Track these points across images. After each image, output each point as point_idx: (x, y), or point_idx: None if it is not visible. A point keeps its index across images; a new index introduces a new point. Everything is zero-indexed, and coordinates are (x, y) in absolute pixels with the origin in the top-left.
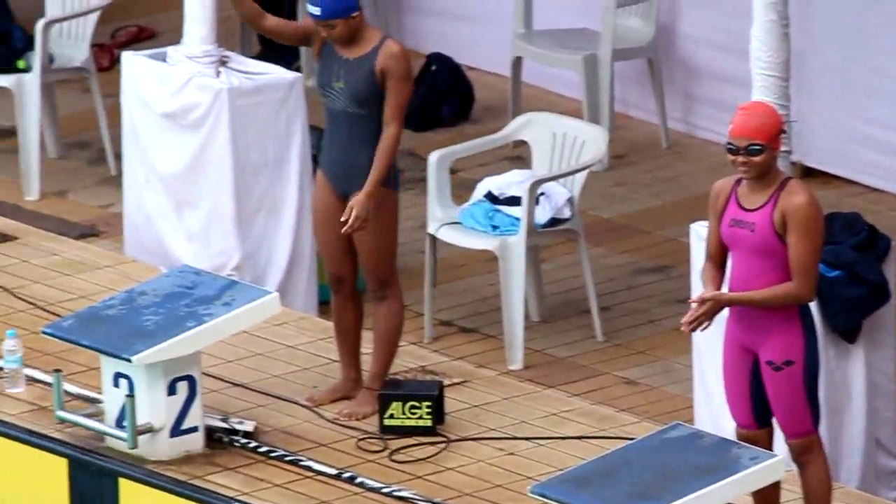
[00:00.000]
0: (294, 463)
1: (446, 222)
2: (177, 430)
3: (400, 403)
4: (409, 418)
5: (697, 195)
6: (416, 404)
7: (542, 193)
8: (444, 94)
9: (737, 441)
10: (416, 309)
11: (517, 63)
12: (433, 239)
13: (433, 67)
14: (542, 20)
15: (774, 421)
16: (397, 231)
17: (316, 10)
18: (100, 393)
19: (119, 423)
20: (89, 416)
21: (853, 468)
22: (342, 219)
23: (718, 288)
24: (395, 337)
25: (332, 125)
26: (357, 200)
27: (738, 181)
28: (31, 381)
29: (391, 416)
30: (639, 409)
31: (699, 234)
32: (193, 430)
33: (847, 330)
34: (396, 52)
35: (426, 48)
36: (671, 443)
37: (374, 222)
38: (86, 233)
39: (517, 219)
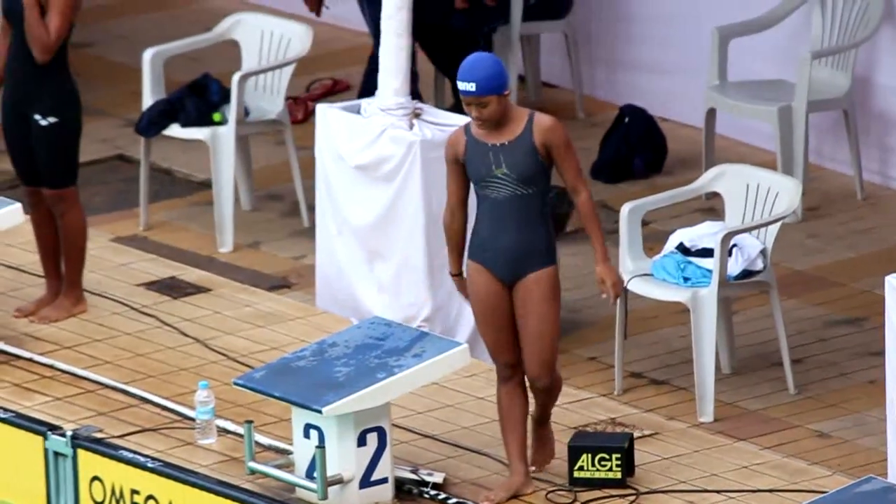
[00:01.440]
0: None
1: (638, 274)
2: (366, 482)
3: (589, 455)
4: (598, 470)
5: (892, 247)
6: (606, 456)
7: (734, 245)
8: (636, 146)
9: None
10: (607, 360)
11: (711, 114)
12: (625, 290)
13: (626, 119)
14: (737, 71)
15: None
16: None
17: (470, 87)
18: (290, 444)
19: (309, 475)
20: (280, 467)
21: None
22: (603, 295)
23: None
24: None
25: (497, 213)
26: (604, 270)
27: None
28: (223, 432)
29: (581, 468)
30: (831, 463)
31: (894, 286)
32: (383, 481)
33: None
34: (551, 124)
35: (619, 100)
36: (864, 496)
37: (539, 304)
38: (278, 284)
39: (709, 271)
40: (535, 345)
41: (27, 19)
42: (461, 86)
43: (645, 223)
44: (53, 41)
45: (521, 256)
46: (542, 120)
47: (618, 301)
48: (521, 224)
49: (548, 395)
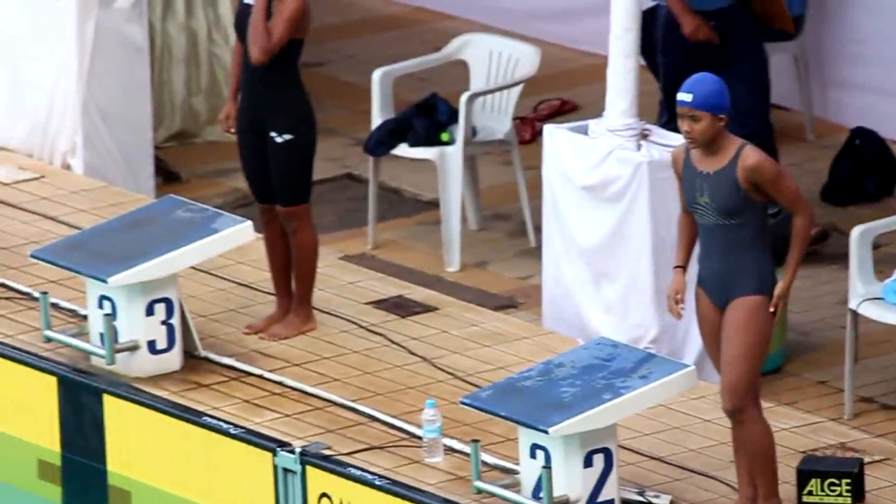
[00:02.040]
0: None
1: (868, 298)
2: (593, 503)
3: (818, 480)
4: (827, 495)
5: None
6: (836, 481)
7: None
8: (867, 168)
9: None
10: (836, 385)
11: None
12: (854, 314)
13: (857, 142)
14: None
15: None
16: (767, 347)
17: (687, 97)
18: (517, 464)
19: (536, 495)
20: (506, 486)
21: None
22: (770, 310)
23: None
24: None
25: (706, 238)
26: (781, 286)
27: None
28: (450, 450)
29: (809, 493)
30: None
31: None
32: (609, 503)
33: None
34: (754, 164)
35: (850, 122)
36: None
37: (735, 330)
38: (505, 304)
39: None
40: (725, 369)
41: (252, 18)
42: (679, 96)
43: (876, 246)
44: (273, 44)
45: (727, 282)
46: (748, 158)
47: (848, 324)
48: (726, 252)
49: (744, 432)
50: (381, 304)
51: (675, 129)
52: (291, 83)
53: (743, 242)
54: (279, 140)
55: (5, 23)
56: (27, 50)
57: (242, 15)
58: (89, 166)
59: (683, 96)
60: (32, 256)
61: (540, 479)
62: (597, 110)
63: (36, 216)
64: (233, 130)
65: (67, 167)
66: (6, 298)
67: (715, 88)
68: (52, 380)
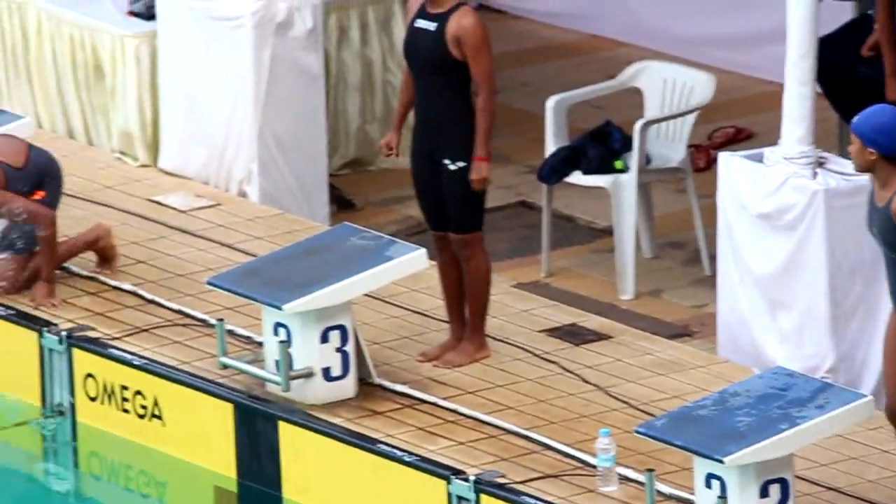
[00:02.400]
0: None
1: None
2: None
3: None
4: None
5: None
6: None
7: None
8: None
9: None
10: None
11: None
12: None
13: None
14: None
15: None
16: None
17: (855, 118)
18: (692, 493)
19: None
20: None
21: None
22: None
23: None
24: None
25: (887, 266)
26: None
27: None
28: (624, 479)
29: None
30: None
31: None
32: None
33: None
34: None
35: None
36: None
37: None
38: (679, 333)
39: None
40: None
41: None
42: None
43: None
44: (492, 79)
45: None
46: None
47: None
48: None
49: None
50: (554, 331)
51: None
52: (464, 111)
53: None
54: (452, 167)
55: (183, 52)
56: (204, 78)
57: (411, 39)
58: (265, 194)
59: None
60: (209, 284)
61: None
62: (772, 138)
63: (212, 243)
64: (393, 156)
65: (243, 195)
66: (183, 325)
67: (881, 122)
68: (229, 406)
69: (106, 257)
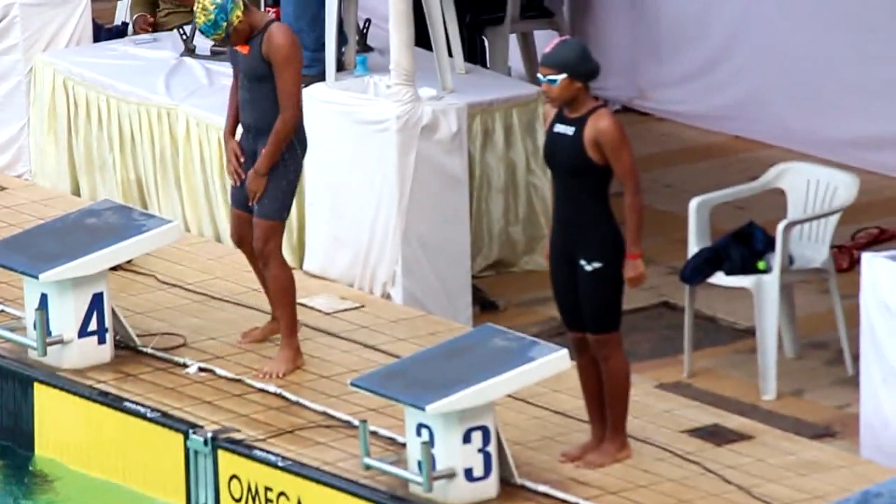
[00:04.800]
0: None
1: None
2: None
3: None
4: None
5: None
6: None
7: None
8: None
9: None
10: None
11: None
12: None
13: None
14: None
15: None
16: None
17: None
18: None
19: None
20: None
21: None
22: None
23: None
24: None
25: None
26: None
27: None
28: None
29: None
30: None
31: None
32: None
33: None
34: None
35: None
36: None
37: None
38: (821, 433)
39: None
40: None
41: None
42: None
43: None
44: (636, 176)
45: None
46: None
47: None
48: None
49: None
50: (696, 432)
51: None
52: (602, 211)
53: None
54: (588, 268)
55: (329, 155)
56: (349, 180)
57: (550, 144)
58: (408, 295)
59: None
60: (353, 385)
61: None
62: None
63: (356, 345)
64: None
65: (387, 296)
66: (326, 426)
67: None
68: None
69: None
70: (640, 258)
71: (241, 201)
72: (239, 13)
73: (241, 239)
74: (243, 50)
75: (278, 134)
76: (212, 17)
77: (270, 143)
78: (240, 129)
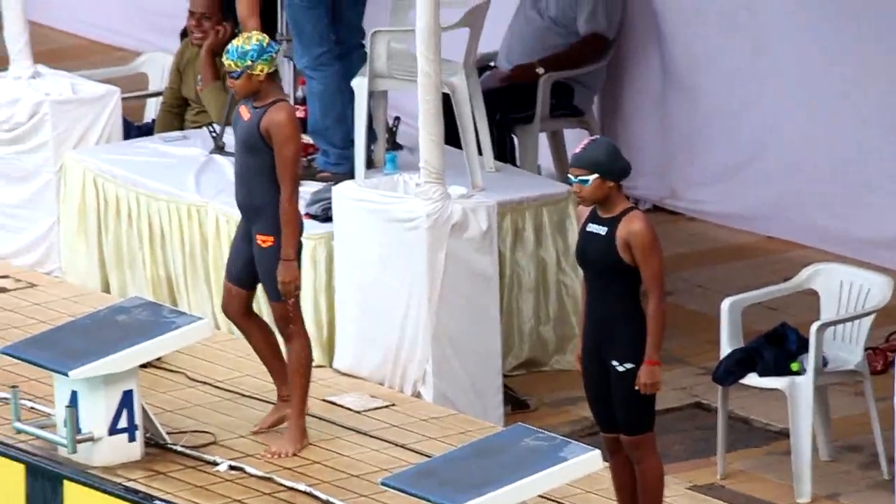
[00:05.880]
0: None
1: None
2: None
3: None
4: None
5: None
6: None
7: None
8: None
9: None
10: None
11: None
12: None
13: None
14: None
15: None
16: None
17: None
18: None
19: None
20: None
21: None
22: None
23: None
24: None
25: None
26: None
27: None
28: None
29: None
30: None
31: None
32: None
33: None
34: None
35: None
36: None
37: None
38: None
39: None
40: None
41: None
42: None
43: None
44: (662, 283)
45: None
46: None
47: None
48: None
49: None
50: None
51: None
52: (633, 311)
53: None
54: (620, 369)
55: (359, 253)
56: (379, 279)
57: (583, 243)
58: (439, 394)
59: None
60: (383, 484)
61: None
62: None
63: (386, 444)
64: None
65: (418, 395)
66: None
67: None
68: None
69: None
70: (658, 366)
71: (231, 273)
72: (265, 68)
73: (227, 310)
74: (245, 115)
75: (286, 214)
76: (247, 47)
77: (284, 227)
78: None
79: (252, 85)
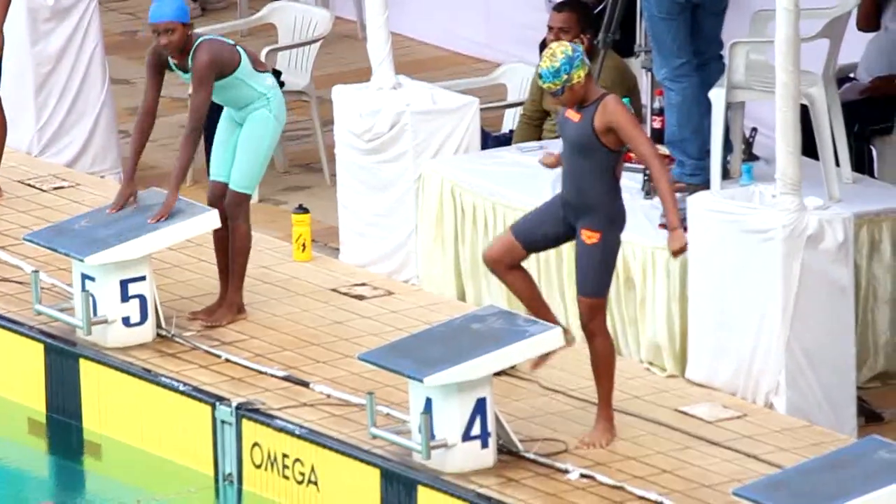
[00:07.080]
0: None
1: None
2: None
3: None
4: None
5: None
6: None
7: None
8: None
9: None
10: None
11: None
12: None
13: None
14: None
15: None
16: None
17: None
18: None
19: None
20: None
21: None
22: None
23: None
24: None
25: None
26: None
27: None
28: None
29: None
30: None
31: None
32: None
33: None
34: None
35: None
36: None
37: None
38: None
39: None
40: None
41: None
42: None
43: None
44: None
45: None
46: None
47: None
48: None
49: None
50: None
51: None
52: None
53: None
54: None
55: (714, 264)
56: (733, 290)
57: None
58: (792, 405)
59: None
60: (735, 494)
61: None
62: None
63: (738, 454)
64: None
65: (770, 406)
66: None
67: None
68: None
69: None
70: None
71: (523, 233)
72: (582, 74)
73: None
74: (574, 118)
75: (660, 181)
76: (556, 64)
77: (664, 197)
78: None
79: (577, 93)
